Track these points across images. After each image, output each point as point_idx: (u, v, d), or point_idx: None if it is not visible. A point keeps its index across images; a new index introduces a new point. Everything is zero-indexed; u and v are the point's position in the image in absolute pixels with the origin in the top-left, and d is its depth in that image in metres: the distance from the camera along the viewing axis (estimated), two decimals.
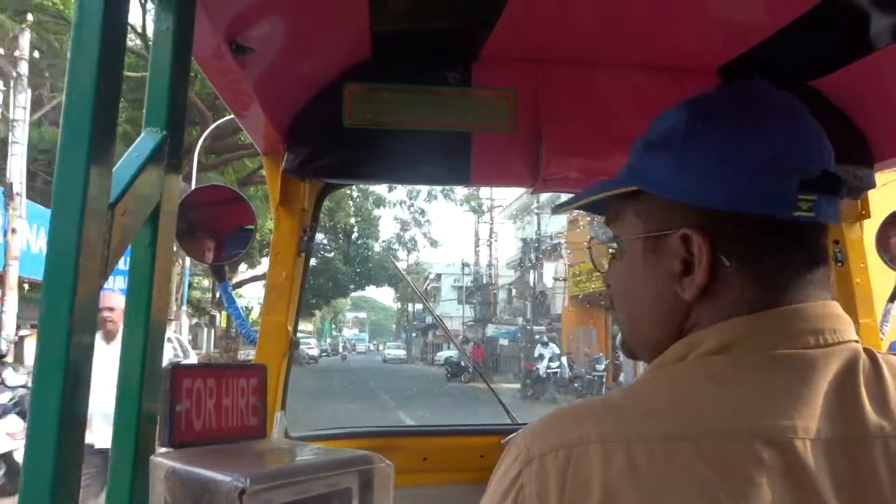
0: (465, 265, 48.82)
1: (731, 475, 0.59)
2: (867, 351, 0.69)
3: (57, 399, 0.67)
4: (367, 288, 41.39)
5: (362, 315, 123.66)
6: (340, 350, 64.03)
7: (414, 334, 62.03)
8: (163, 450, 0.82)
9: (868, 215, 1.90)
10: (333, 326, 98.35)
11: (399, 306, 78.27)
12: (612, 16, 1.51)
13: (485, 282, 44.58)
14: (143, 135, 0.89)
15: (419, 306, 61.42)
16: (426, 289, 61.99)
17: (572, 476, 0.62)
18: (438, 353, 44.48)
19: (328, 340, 76.18)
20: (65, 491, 0.67)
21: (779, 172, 0.68)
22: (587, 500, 0.61)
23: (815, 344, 0.67)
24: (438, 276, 58.40)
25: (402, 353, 57.34)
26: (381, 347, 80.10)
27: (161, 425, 0.83)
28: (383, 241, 36.83)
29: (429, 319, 52.60)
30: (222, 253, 1.81)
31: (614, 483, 0.61)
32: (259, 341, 1.80)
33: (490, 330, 38.44)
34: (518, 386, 24.52)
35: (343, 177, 1.87)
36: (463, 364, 26.73)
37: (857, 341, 0.69)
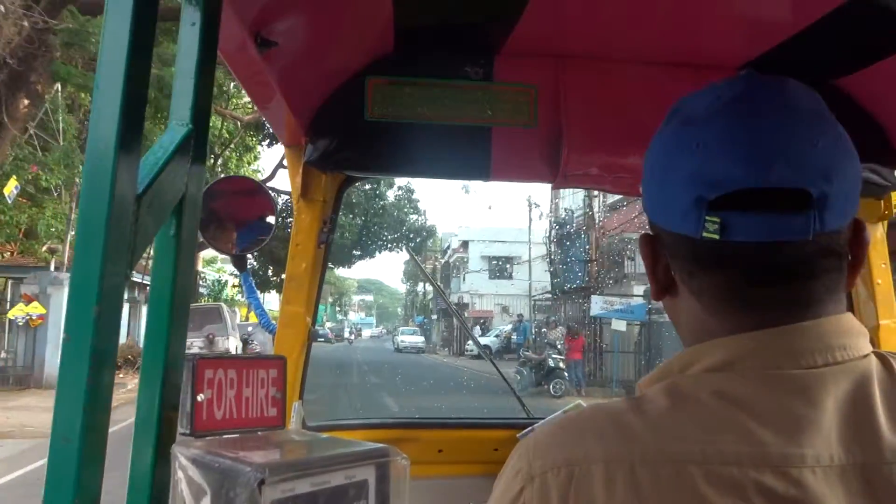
0: (532, 206, 32.21)
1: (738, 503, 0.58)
2: (882, 359, 0.66)
3: (82, 389, 0.68)
4: (377, 254, 33.42)
5: (369, 298, 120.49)
6: (346, 335, 59.58)
7: (434, 316, 52.15)
8: (184, 438, 0.83)
9: (891, 214, 1.87)
10: (338, 309, 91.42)
11: (408, 287, 71.69)
12: (634, 12, 1.50)
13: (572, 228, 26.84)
14: (169, 127, 0.90)
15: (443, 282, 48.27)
16: (448, 261, 53.79)
17: (574, 496, 0.62)
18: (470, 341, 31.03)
19: (332, 324, 67.32)
20: (89, 473, 0.69)
21: (683, 191, 0.66)
22: None
23: (822, 363, 0.63)
24: (465, 243, 48.57)
25: (419, 340, 46.54)
26: (389, 332, 75.40)
27: (182, 414, 0.85)
28: (399, 189, 30.96)
29: (455, 297, 44.94)
30: (243, 243, 1.83)
31: None
32: (278, 332, 1.82)
33: (596, 306, 20.39)
34: None
35: (364, 169, 1.88)
36: (552, 364, 17.61)
37: (870, 354, 0.66)
